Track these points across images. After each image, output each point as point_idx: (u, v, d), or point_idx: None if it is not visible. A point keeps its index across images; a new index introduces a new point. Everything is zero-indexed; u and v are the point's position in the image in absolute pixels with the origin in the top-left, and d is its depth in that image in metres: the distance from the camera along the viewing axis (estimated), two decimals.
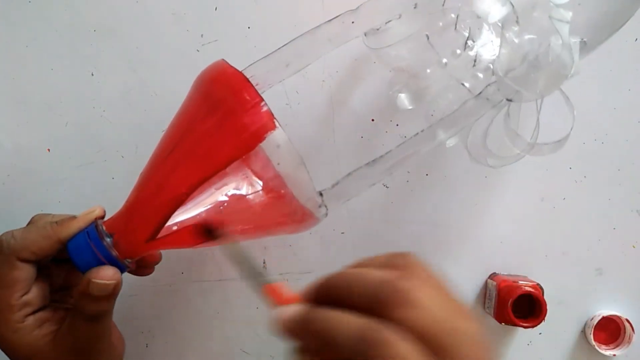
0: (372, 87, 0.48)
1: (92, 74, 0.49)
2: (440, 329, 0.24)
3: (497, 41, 0.38)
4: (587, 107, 0.47)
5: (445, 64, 0.40)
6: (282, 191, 0.34)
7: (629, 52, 0.47)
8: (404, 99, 0.45)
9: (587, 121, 0.47)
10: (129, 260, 0.36)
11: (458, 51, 0.39)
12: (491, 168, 0.44)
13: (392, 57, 0.42)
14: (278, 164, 0.34)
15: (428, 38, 0.40)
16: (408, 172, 0.48)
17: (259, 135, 0.32)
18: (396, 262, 0.27)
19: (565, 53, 0.34)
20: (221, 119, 0.33)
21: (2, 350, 0.36)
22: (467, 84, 0.39)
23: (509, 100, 0.36)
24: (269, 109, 0.33)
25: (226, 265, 0.49)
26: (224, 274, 0.49)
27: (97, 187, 0.49)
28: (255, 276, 0.30)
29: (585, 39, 0.36)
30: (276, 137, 0.33)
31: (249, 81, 0.34)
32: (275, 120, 0.33)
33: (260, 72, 0.39)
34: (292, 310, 0.27)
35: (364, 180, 0.37)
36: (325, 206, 0.36)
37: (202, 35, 0.49)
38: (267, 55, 0.39)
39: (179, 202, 0.34)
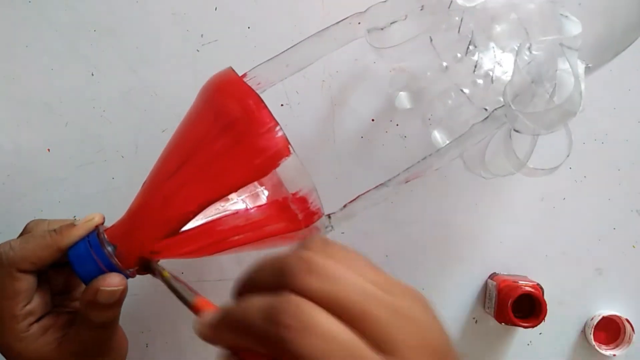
0: (372, 87, 0.48)
1: (92, 74, 0.49)
2: (357, 298, 0.22)
3: (500, 51, 0.38)
4: (587, 107, 0.47)
5: (446, 67, 0.40)
6: (291, 213, 0.34)
7: (629, 52, 0.47)
8: (403, 98, 0.45)
9: (587, 121, 0.47)
10: (131, 270, 0.36)
11: (459, 55, 0.40)
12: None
13: (394, 57, 0.42)
14: (289, 187, 0.33)
15: (431, 40, 0.40)
16: None
17: (273, 161, 0.32)
18: (311, 241, 0.25)
19: (575, 93, 0.34)
20: (234, 140, 0.32)
21: None
22: (466, 90, 0.39)
23: (517, 131, 0.36)
24: (284, 133, 0.32)
25: (226, 265, 0.49)
26: (224, 274, 0.49)
27: (97, 187, 0.49)
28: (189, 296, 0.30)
29: (590, 65, 0.36)
30: (289, 163, 0.32)
31: (263, 101, 0.33)
32: (290, 146, 0.32)
33: (263, 72, 0.39)
34: (210, 313, 0.26)
35: (371, 201, 0.37)
36: (332, 226, 0.36)
37: (202, 35, 0.49)
38: (272, 57, 0.39)
39: (187, 220, 0.33)
